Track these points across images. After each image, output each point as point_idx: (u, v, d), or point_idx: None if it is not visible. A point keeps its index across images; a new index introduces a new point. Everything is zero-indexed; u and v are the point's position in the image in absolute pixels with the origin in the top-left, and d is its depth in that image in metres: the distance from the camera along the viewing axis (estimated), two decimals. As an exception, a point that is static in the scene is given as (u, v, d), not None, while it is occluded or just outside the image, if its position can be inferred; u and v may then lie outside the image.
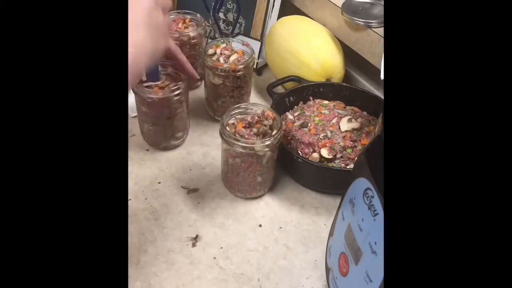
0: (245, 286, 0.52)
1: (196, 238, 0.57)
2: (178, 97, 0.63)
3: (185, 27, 0.77)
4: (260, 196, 0.63)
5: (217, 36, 0.85)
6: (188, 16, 0.78)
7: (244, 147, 0.56)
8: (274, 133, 0.58)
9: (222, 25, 0.85)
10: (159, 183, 0.64)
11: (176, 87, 0.63)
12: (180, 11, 0.79)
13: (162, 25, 0.45)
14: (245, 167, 0.58)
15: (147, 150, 0.69)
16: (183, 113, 0.67)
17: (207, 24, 0.80)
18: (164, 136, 0.68)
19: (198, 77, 0.68)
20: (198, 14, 0.78)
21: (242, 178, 0.60)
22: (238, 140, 0.56)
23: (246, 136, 0.58)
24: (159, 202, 0.61)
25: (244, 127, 0.59)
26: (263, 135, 0.58)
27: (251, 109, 0.62)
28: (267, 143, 0.56)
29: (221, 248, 0.56)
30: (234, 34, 0.84)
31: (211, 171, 0.67)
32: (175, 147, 0.70)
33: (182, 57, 0.63)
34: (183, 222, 0.59)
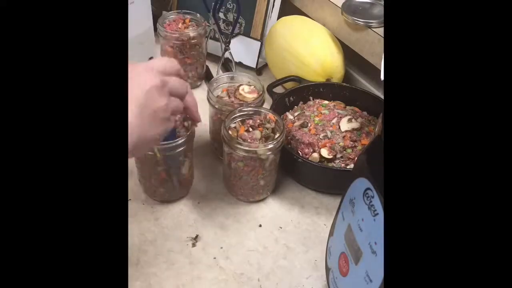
0: (245, 286, 0.52)
1: (196, 238, 0.57)
2: (182, 148, 0.56)
3: (185, 27, 0.77)
4: (262, 199, 0.63)
5: (217, 36, 0.85)
6: (188, 16, 0.78)
7: (247, 151, 0.55)
8: (276, 136, 0.57)
9: (222, 25, 0.85)
10: (159, 183, 0.64)
11: (181, 140, 0.55)
12: (180, 11, 0.79)
13: (160, 109, 0.41)
14: (248, 171, 0.58)
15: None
16: (189, 163, 0.60)
17: (207, 24, 0.80)
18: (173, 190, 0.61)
19: (200, 120, 0.55)
20: (198, 14, 0.78)
21: (244, 182, 0.59)
22: (240, 144, 0.55)
23: (249, 140, 0.57)
24: (159, 202, 0.61)
25: (246, 131, 0.58)
26: (266, 138, 0.58)
27: (253, 112, 0.61)
28: (269, 146, 0.55)
29: (221, 248, 0.56)
30: (234, 34, 0.84)
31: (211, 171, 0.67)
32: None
33: (189, 99, 0.51)
34: (183, 222, 0.59)
